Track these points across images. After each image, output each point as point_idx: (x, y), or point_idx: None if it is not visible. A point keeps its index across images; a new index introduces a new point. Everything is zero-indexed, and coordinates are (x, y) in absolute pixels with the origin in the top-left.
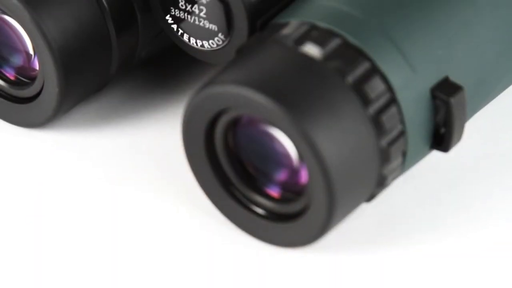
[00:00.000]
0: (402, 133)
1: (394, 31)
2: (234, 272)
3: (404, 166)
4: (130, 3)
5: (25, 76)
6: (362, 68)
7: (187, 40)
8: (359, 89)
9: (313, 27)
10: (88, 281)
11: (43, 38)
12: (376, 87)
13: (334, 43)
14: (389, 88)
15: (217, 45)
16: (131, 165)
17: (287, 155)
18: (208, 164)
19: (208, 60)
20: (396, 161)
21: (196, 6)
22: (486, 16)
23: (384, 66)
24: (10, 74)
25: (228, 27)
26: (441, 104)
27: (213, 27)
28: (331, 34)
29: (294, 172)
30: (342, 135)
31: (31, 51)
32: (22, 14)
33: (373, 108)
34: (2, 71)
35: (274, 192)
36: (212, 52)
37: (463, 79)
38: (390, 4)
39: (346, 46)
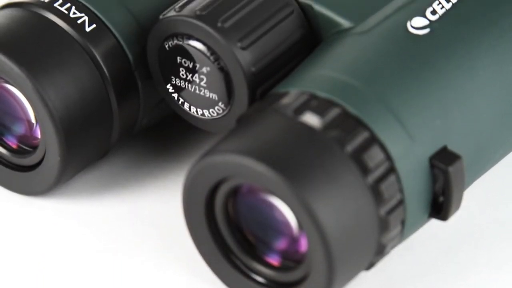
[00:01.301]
0: (401, 202)
1: (393, 101)
2: None
3: (403, 234)
4: (131, 71)
5: (27, 145)
6: (361, 137)
7: (188, 109)
8: (358, 158)
9: (313, 97)
10: None
11: (44, 107)
12: (375, 156)
13: (333, 112)
14: (388, 157)
15: (218, 114)
16: (132, 233)
17: (287, 224)
18: (208, 232)
19: (208, 128)
20: (395, 230)
21: (196, 75)
22: (484, 85)
23: (383, 136)
24: (12, 142)
25: (229, 96)
26: (439, 173)
27: (214, 96)
28: (330, 104)
29: (294, 241)
30: (342, 204)
31: (33, 120)
32: (24, 83)
33: (372, 177)
34: (4, 139)
35: (274, 260)
36: (213, 120)
37: (462, 148)
38: (389, 74)
39: (345, 115)
